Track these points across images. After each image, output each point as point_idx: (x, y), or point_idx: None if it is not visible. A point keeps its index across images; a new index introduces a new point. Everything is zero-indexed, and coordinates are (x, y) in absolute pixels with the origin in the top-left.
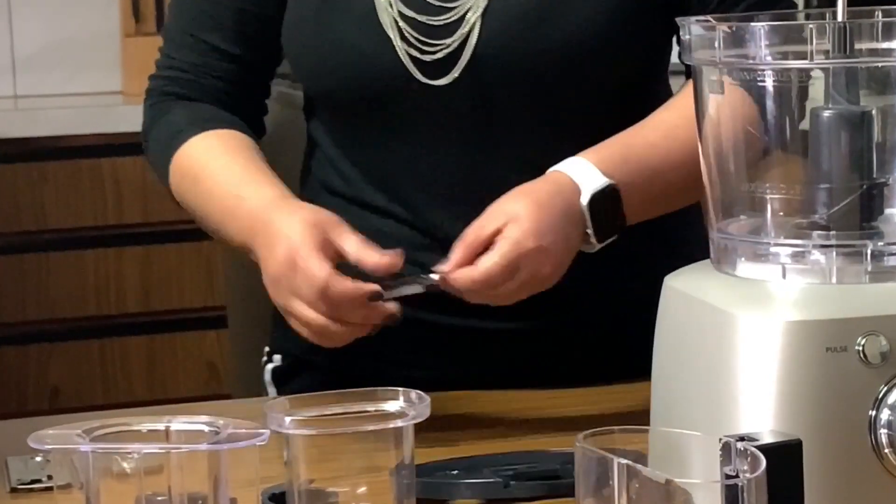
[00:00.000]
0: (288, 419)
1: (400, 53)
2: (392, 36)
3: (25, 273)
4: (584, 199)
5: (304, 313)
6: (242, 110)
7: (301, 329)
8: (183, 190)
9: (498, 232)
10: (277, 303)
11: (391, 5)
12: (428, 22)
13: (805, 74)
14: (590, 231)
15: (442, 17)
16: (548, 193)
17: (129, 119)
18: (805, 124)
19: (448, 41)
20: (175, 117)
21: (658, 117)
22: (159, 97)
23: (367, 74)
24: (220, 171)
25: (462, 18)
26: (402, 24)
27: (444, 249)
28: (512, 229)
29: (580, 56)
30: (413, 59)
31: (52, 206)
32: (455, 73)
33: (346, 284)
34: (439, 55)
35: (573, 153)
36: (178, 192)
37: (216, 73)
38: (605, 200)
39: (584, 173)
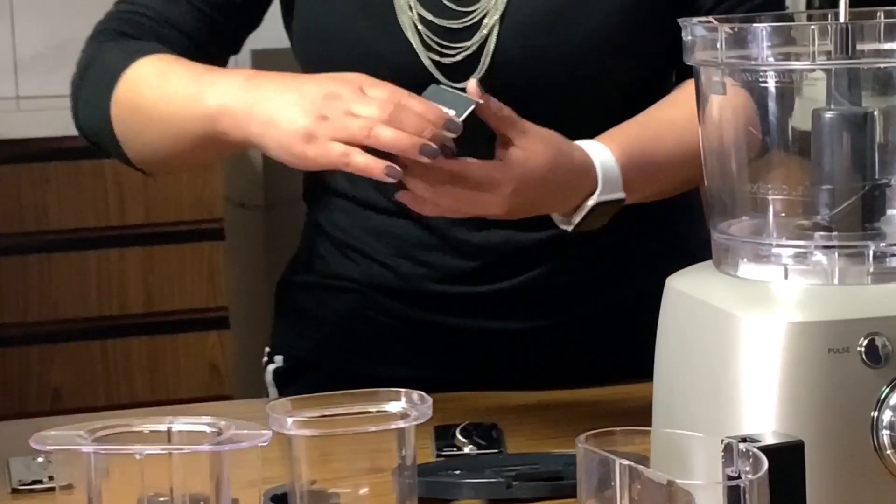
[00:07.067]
0: (290, 420)
1: (420, 56)
2: (412, 40)
3: (27, 274)
4: (592, 201)
5: (362, 108)
6: None
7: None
8: (128, 105)
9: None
10: (311, 122)
11: (411, 8)
12: (446, 25)
13: (807, 75)
14: (574, 221)
15: (460, 21)
16: (574, 161)
17: None
18: (807, 125)
19: (467, 44)
20: (115, 51)
21: (671, 115)
22: (106, 36)
23: (385, 76)
24: (180, 70)
25: (480, 22)
26: (420, 26)
27: (452, 249)
28: (539, 149)
29: (597, 56)
30: (433, 62)
31: (54, 206)
32: (477, 76)
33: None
34: (458, 58)
35: None
36: (121, 120)
37: (177, 25)
38: (605, 206)
39: (608, 175)
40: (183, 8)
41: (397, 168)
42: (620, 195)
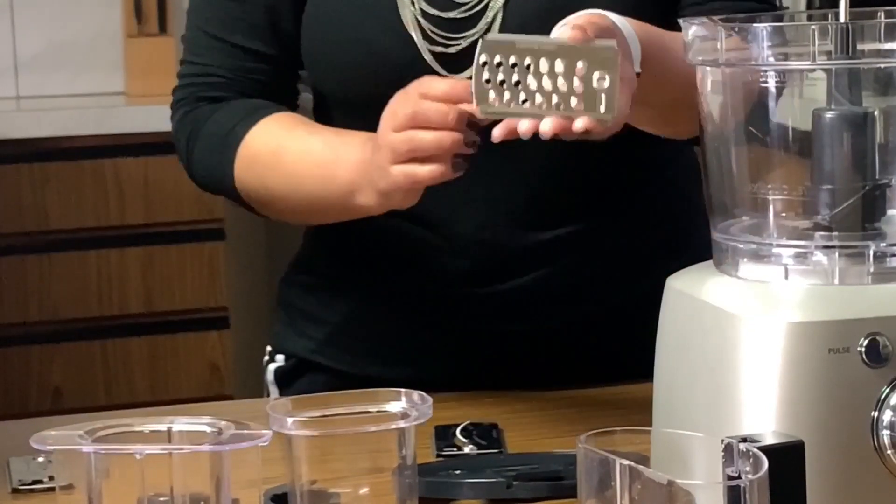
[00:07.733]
0: (290, 420)
1: (422, 50)
2: (414, 35)
3: (27, 274)
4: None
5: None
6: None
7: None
8: (254, 179)
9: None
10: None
11: (413, 3)
12: (450, 17)
13: (807, 75)
14: None
15: (463, 10)
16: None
17: (131, 120)
18: (807, 125)
19: (470, 32)
20: (223, 117)
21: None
22: (193, 104)
23: (387, 71)
24: (299, 145)
25: (483, 10)
26: (423, 21)
27: (452, 250)
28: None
29: None
30: (435, 54)
31: (55, 206)
32: None
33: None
34: (463, 45)
35: (587, 148)
36: (248, 184)
37: (252, 75)
38: None
39: (633, 44)
40: (250, 57)
41: (460, 162)
42: (637, 69)
